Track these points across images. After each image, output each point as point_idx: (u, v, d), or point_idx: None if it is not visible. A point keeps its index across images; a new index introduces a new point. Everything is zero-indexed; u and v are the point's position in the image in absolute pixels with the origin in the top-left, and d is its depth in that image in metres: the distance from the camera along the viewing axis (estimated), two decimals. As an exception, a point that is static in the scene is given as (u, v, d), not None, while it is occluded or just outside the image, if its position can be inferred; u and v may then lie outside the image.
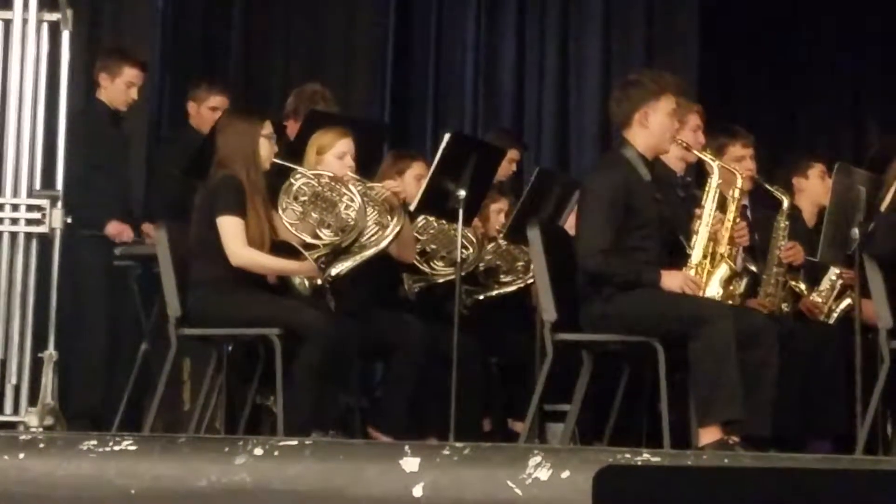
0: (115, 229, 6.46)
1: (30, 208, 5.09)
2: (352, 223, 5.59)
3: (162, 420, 5.93)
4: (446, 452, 4.07)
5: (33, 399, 5.03)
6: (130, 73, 6.60)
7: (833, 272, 6.29)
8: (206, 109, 6.92)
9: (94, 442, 4.23)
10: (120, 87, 6.59)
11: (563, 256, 5.42)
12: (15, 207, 5.10)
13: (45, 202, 5.08)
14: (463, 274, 5.94)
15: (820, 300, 6.34)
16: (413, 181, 6.05)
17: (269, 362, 5.50)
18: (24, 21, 5.15)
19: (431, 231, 6.18)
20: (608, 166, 5.53)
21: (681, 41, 8.37)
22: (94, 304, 6.44)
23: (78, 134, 6.11)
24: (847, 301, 6.17)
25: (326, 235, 5.58)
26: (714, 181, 5.51)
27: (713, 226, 5.45)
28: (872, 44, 8.68)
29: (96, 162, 6.46)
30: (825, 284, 6.35)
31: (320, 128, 5.91)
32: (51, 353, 5.07)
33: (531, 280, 6.14)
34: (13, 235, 5.10)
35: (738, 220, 5.57)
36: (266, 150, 5.58)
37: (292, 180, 5.63)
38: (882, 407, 5.45)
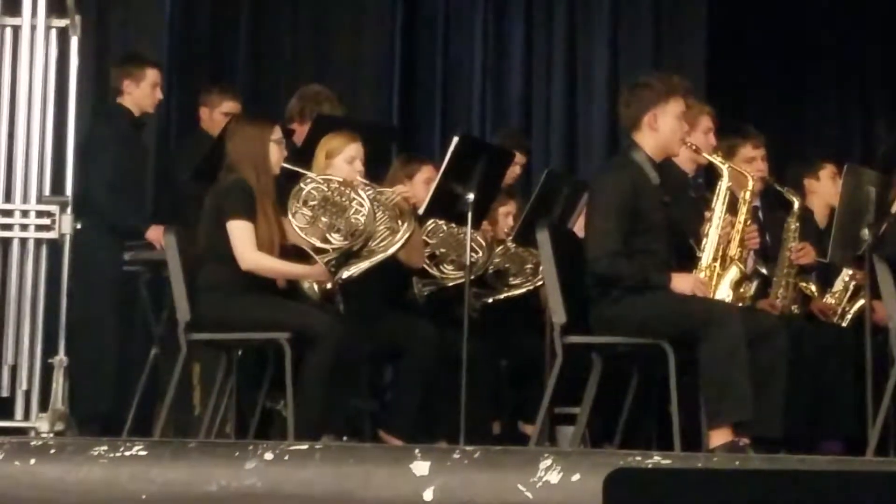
0: (155, 234, 6.42)
1: (39, 214, 5.11)
2: (361, 227, 5.59)
3: (172, 425, 5.93)
4: (457, 456, 4.07)
5: (44, 404, 5.04)
6: (153, 74, 6.65)
7: (846, 273, 6.28)
8: (218, 114, 6.92)
9: (105, 447, 4.23)
10: (146, 90, 6.63)
11: (573, 259, 5.42)
12: (25, 214, 5.11)
13: (54, 208, 5.09)
14: (472, 277, 5.94)
15: (833, 301, 6.33)
16: (422, 185, 6.05)
17: (279, 366, 5.50)
18: (33, 27, 5.17)
19: (440, 235, 6.19)
20: (616, 169, 5.53)
21: (689, 42, 8.36)
22: (104, 309, 6.44)
23: (102, 140, 6.15)
24: (861, 302, 6.15)
25: (336, 240, 5.59)
26: (723, 184, 5.51)
27: (723, 228, 5.44)
28: (880, 42, 8.67)
29: (120, 167, 6.47)
30: (838, 285, 6.35)
31: (329, 132, 5.92)
32: (61, 358, 5.08)
33: (540, 282, 6.14)
34: (23, 241, 5.11)
35: (749, 222, 5.56)
36: (275, 154, 5.58)
37: (302, 185, 5.63)
38: (893, 408, 5.44)
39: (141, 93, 6.61)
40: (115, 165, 6.41)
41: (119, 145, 6.48)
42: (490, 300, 6.33)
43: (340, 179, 5.65)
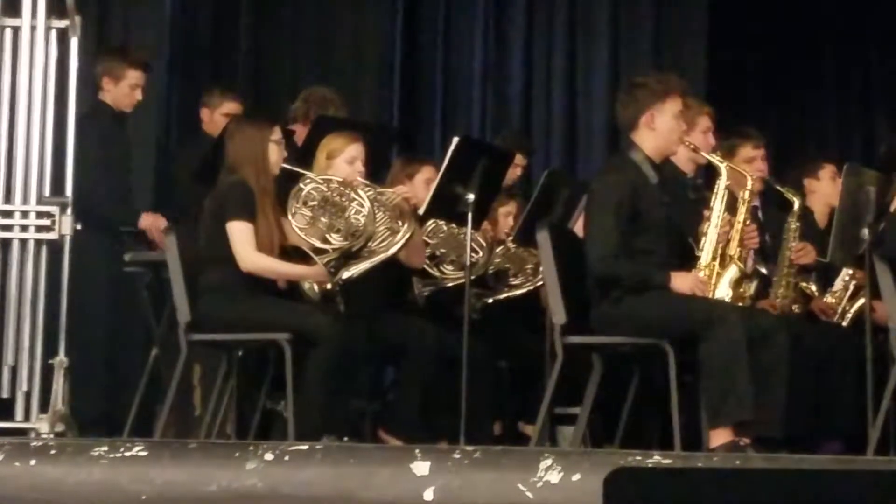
0: (147, 221, 6.41)
1: (39, 215, 5.10)
2: (361, 228, 5.60)
3: (173, 425, 5.93)
4: (457, 456, 4.07)
5: (44, 406, 5.04)
6: (133, 75, 6.57)
7: (846, 272, 6.28)
8: (219, 116, 6.91)
9: (105, 448, 4.23)
10: (124, 90, 6.56)
11: (573, 259, 5.42)
12: (24, 214, 5.11)
13: (54, 209, 5.08)
14: (472, 277, 5.94)
15: (833, 301, 6.33)
16: (422, 185, 6.05)
17: (280, 367, 5.50)
18: (33, 28, 5.16)
19: (441, 235, 6.19)
20: (614, 169, 5.53)
21: (689, 42, 8.36)
22: (98, 309, 6.42)
23: (88, 137, 6.13)
24: (861, 301, 6.15)
25: (336, 240, 5.59)
26: (722, 183, 5.51)
27: (722, 227, 5.45)
28: (881, 42, 8.67)
29: (106, 164, 6.46)
30: (838, 285, 6.34)
31: (329, 133, 5.92)
32: (61, 359, 5.08)
33: (540, 283, 6.14)
34: (23, 242, 5.11)
35: (748, 221, 5.56)
36: (275, 155, 5.58)
37: (302, 185, 5.63)
38: (893, 407, 5.44)
39: (119, 92, 6.56)
40: (102, 163, 6.39)
41: (103, 142, 6.45)
42: (490, 300, 6.33)
43: (340, 179, 5.66)
